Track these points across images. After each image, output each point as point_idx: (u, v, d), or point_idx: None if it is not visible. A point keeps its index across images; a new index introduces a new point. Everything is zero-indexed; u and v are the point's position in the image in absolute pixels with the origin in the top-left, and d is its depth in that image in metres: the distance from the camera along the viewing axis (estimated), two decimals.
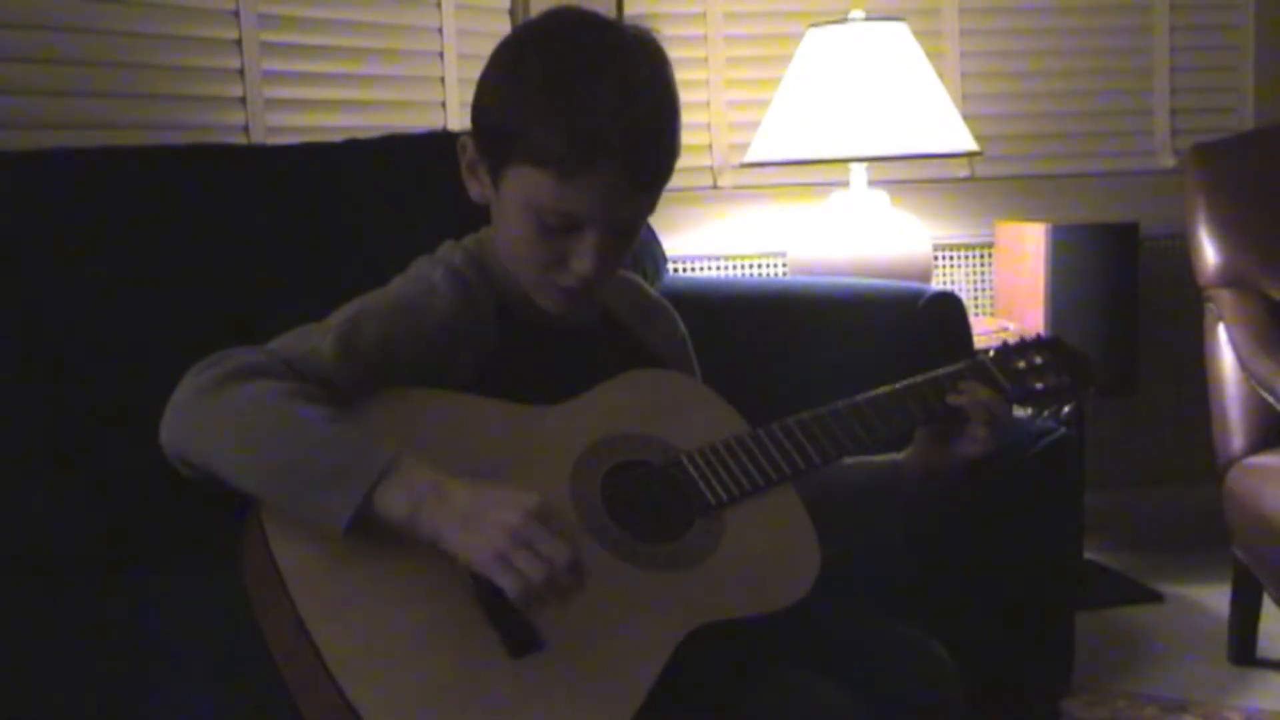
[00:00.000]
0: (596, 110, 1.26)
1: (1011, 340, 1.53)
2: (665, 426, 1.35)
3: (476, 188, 1.38)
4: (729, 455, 1.33)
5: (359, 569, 1.15)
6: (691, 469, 1.31)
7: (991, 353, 1.51)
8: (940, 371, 1.46)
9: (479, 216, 1.42)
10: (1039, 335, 1.55)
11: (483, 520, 1.13)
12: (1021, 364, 1.49)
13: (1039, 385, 1.49)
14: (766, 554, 1.29)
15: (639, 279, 1.58)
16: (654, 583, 1.22)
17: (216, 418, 1.18)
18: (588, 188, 1.28)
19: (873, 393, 1.43)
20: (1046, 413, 1.49)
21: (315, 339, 1.27)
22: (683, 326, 1.55)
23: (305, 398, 1.19)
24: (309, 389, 1.21)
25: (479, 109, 1.35)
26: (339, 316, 1.30)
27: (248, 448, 1.17)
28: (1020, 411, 1.53)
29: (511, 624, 1.14)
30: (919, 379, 1.45)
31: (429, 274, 1.36)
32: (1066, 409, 1.49)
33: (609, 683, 1.14)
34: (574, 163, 1.26)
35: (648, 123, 1.29)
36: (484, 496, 1.15)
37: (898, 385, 1.44)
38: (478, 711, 1.10)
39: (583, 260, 1.31)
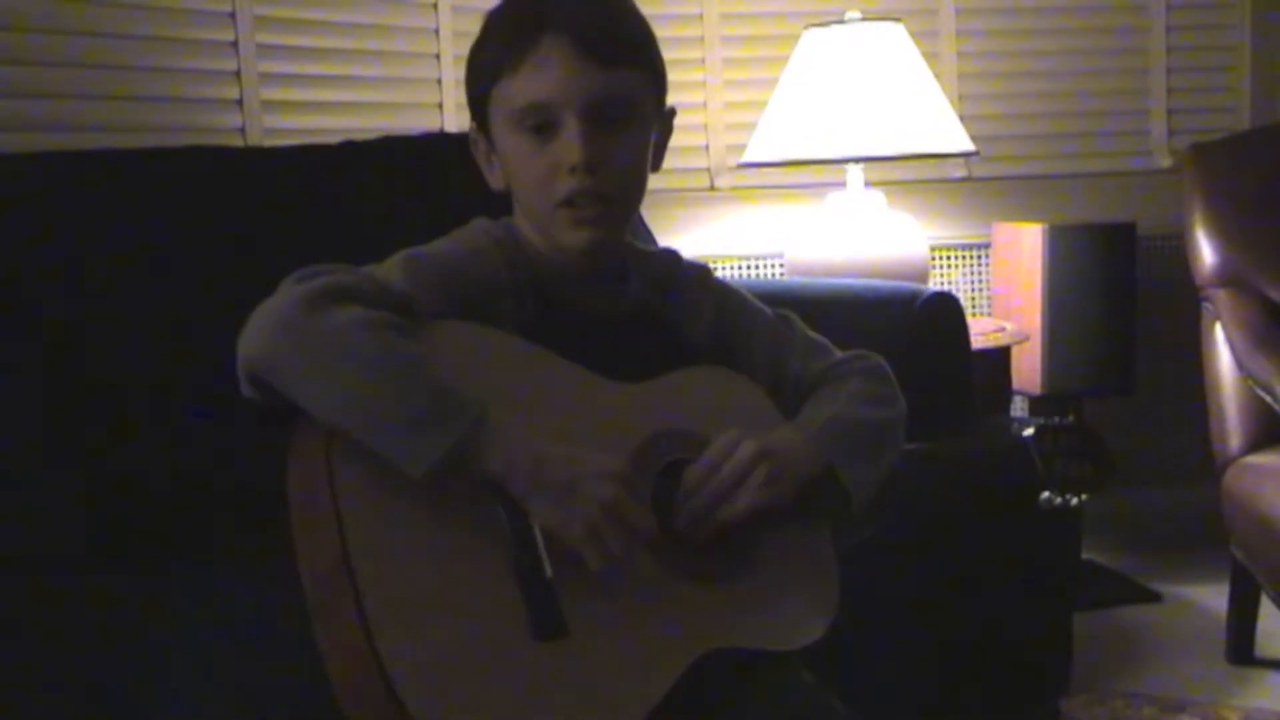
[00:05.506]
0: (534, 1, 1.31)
1: (1050, 418, 1.55)
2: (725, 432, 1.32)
3: (495, 172, 1.37)
4: None
5: (412, 517, 1.14)
6: None
7: (1032, 428, 1.52)
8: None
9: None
10: (1073, 422, 1.55)
11: (578, 492, 1.15)
12: (1050, 444, 1.50)
13: (1063, 469, 1.49)
14: (789, 591, 1.28)
15: (676, 251, 1.52)
16: (682, 594, 1.21)
17: (307, 341, 1.15)
18: (543, 66, 1.28)
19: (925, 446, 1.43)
20: (1059, 501, 1.50)
21: (379, 273, 1.25)
22: (722, 285, 1.47)
23: (397, 330, 1.18)
24: (398, 321, 1.19)
25: (467, 86, 1.36)
26: (390, 259, 1.28)
27: (338, 376, 1.14)
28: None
29: (544, 607, 1.14)
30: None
31: (473, 238, 1.34)
32: (1076, 500, 1.50)
33: (621, 690, 1.14)
34: (521, 45, 1.29)
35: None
36: (576, 467, 1.16)
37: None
38: (490, 685, 1.10)
39: (569, 148, 1.28)
